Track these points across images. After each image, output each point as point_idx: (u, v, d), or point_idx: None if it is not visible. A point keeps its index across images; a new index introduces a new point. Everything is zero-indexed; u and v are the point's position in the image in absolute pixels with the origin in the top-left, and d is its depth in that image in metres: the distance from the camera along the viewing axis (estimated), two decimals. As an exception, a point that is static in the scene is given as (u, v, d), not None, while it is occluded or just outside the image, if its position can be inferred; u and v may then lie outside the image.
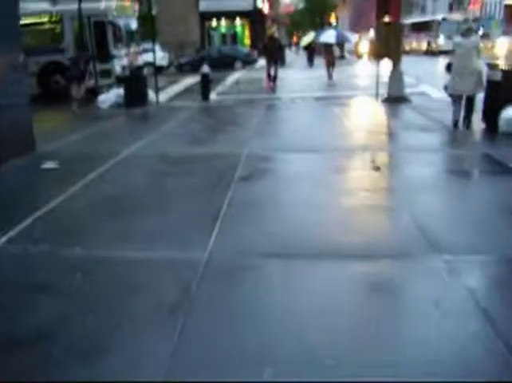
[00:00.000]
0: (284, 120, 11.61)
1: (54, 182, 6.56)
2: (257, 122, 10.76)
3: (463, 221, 4.82)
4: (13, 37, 8.02)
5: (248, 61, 28.84)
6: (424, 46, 36.74)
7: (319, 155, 7.53)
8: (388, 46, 12.37)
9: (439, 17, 37.46)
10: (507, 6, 39.02)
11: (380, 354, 2.86)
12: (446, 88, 9.08)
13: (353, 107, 13.10)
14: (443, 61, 18.89)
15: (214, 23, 38.33)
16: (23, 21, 12.37)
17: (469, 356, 2.83)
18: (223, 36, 38.78)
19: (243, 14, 36.81)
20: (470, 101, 8.72)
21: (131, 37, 16.37)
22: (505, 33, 32.94)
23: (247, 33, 38.91)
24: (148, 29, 17.67)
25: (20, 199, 5.88)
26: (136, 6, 17.27)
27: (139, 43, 17.11)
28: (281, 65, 20.10)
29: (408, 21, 38.70)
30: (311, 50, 28.16)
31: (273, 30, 24.27)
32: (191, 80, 20.42)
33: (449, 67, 8.94)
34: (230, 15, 36.89)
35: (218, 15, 36.63)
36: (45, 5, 16.36)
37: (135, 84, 13.43)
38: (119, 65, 14.86)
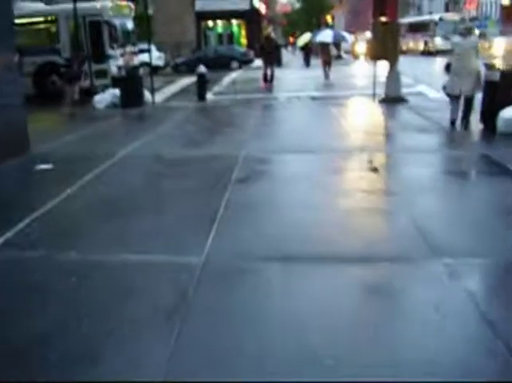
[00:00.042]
0: (281, 120, 11.58)
1: (49, 183, 6.51)
2: (254, 123, 10.73)
3: (462, 223, 4.80)
4: (7, 37, 7.97)
5: (244, 61, 28.83)
6: (421, 46, 36.72)
7: (316, 157, 7.49)
8: (385, 46, 12.35)
9: (436, 17, 37.46)
10: (503, 7, 39.13)
11: (379, 354, 2.85)
12: (444, 88, 9.07)
13: (350, 107, 13.07)
14: (440, 61, 18.92)
15: (210, 23, 38.28)
16: (18, 21, 12.34)
17: (469, 356, 2.82)
18: (220, 36, 38.74)
19: (239, 14, 36.72)
20: (469, 102, 8.70)
21: (127, 37, 16.28)
22: (502, 33, 32.97)
23: (244, 33, 38.88)
24: (144, 29, 17.60)
25: (15, 201, 5.82)
26: (132, 6, 17.19)
27: (135, 43, 17.03)
28: (277, 65, 20.07)
29: (405, 21, 38.70)
30: (307, 50, 28.23)
31: (270, 30, 24.25)
32: (188, 80, 20.36)
33: (448, 67, 8.92)
34: (227, 15, 36.81)
35: (215, 15, 36.53)
36: (41, 5, 16.30)
37: (131, 84, 13.38)
38: (114, 66, 14.79)
